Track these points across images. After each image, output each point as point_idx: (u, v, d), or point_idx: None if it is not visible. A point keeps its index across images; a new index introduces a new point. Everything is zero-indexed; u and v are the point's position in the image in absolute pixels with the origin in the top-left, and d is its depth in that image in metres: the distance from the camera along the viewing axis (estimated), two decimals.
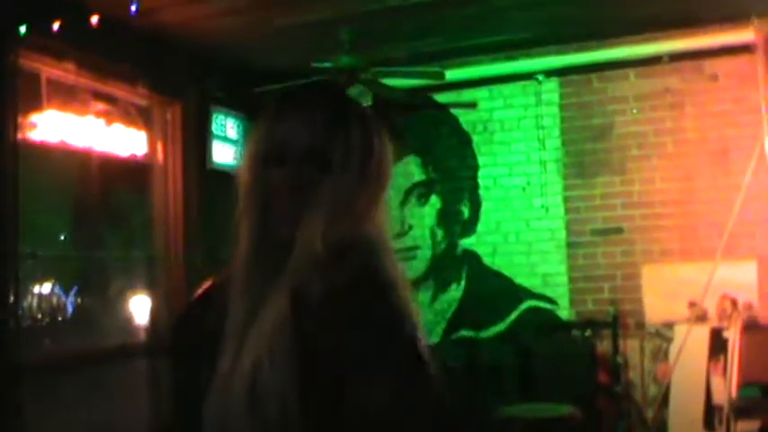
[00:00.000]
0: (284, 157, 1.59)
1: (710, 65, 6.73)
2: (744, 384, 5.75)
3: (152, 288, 6.34)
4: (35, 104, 5.37)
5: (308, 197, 1.57)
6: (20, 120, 5.10)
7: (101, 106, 5.98)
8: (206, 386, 1.55)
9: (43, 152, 5.45)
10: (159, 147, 6.42)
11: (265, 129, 1.64)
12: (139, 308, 6.28)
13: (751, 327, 6.03)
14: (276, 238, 1.59)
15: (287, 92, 1.69)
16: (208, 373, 1.56)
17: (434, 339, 7.11)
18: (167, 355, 1.89)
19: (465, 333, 7.23)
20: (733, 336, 5.91)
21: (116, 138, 6.06)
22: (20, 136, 5.07)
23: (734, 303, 6.21)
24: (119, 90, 6.10)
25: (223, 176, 6.66)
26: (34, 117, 5.37)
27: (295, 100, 1.67)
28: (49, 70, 5.48)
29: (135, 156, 6.24)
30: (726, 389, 5.83)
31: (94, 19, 5.35)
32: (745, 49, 6.47)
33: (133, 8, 5.36)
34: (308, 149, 1.59)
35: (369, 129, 1.66)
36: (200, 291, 1.79)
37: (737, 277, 6.31)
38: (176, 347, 1.82)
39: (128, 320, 6.25)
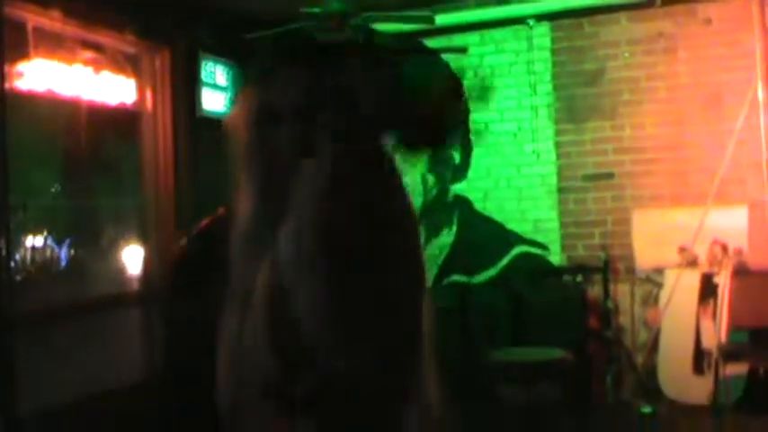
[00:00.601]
0: (279, 115, 1.61)
1: (704, 9, 6.68)
2: (733, 329, 5.79)
3: (143, 236, 6.33)
4: (21, 53, 5.30)
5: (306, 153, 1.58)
6: (6, 69, 5.04)
7: (88, 54, 5.91)
8: (208, 327, 1.56)
9: (31, 102, 5.39)
10: (148, 94, 6.37)
11: (255, 91, 1.66)
12: (131, 256, 6.27)
13: (741, 272, 6.07)
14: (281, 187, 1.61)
15: (274, 52, 1.73)
16: (210, 312, 1.57)
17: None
18: (166, 294, 1.89)
19: (457, 278, 7.25)
20: (723, 281, 5.96)
21: (104, 86, 6.00)
22: (6, 86, 5.02)
23: (724, 249, 6.23)
24: (106, 38, 6.03)
25: (213, 123, 6.62)
26: (21, 66, 5.30)
27: (281, 60, 1.69)
28: (36, 18, 5.40)
29: (124, 104, 6.19)
30: (715, 333, 5.88)
31: None
32: None
33: None
34: (306, 108, 1.60)
35: (354, 76, 1.68)
36: (200, 225, 1.80)
37: (728, 223, 6.32)
38: (177, 285, 1.82)
39: (120, 269, 6.24)
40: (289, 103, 1.62)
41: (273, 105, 1.63)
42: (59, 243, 5.71)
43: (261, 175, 1.64)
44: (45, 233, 5.61)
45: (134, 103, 6.30)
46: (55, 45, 5.59)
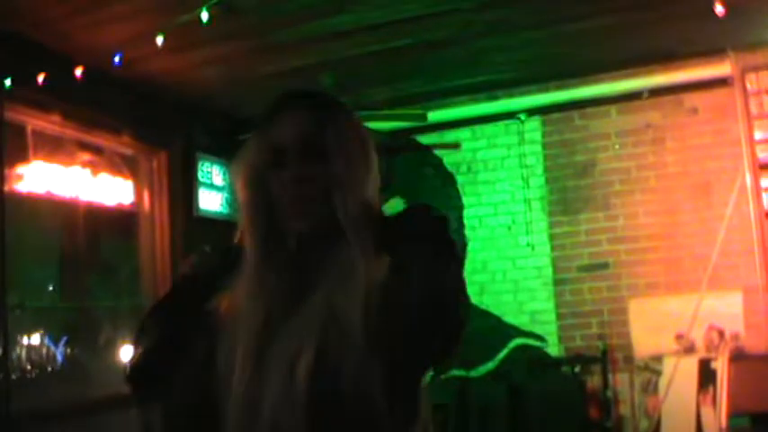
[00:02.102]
0: (284, 157, 1.73)
1: (690, 98, 6.81)
2: (733, 414, 5.77)
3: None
4: (21, 156, 5.39)
5: (314, 189, 1.72)
6: (6, 171, 5.13)
7: (87, 156, 6.01)
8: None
9: (30, 203, 5.47)
10: (146, 195, 6.45)
11: (260, 138, 1.78)
12: (129, 357, 6.25)
13: (738, 357, 6.07)
14: (289, 229, 1.74)
15: (273, 103, 1.81)
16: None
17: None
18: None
19: (455, 372, 7.22)
20: (721, 366, 5.95)
21: (102, 187, 6.09)
22: (6, 188, 5.10)
23: (721, 334, 6.25)
24: (104, 140, 6.14)
25: (210, 223, 6.69)
26: (20, 168, 5.39)
27: (282, 107, 1.80)
28: (35, 122, 5.52)
29: (121, 204, 6.27)
30: (716, 419, 5.84)
31: (79, 71, 5.40)
32: (722, 81, 6.56)
33: (117, 59, 5.42)
34: (305, 144, 1.73)
35: (352, 117, 1.82)
36: (186, 263, 1.90)
37: (723, 308, 6.35)
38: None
39: (118, 370, 6.22)
40: (294, 141, 1.72)
41: (280, 143, 1.73)
42: (56, 343, 5.72)
43: (264, 220, 1.75)
44: (42, 332, 5.63)
45: (132, 204, 6.38)
46: (54, 147, 5.69)
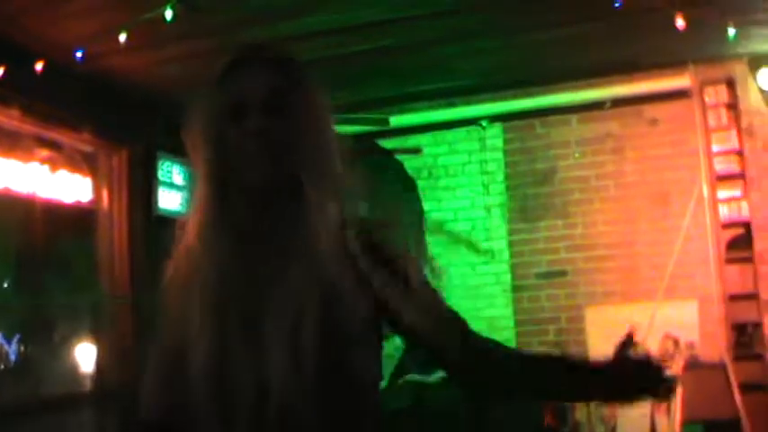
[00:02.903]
0: (245, 110, 1.69)
1: (650, 110, 6.88)
2: (687, 422, 5.82)
3: (98, 335, 6.28)
4: None
5: (273, 142, 1.68)
6: None
7: (45, 152, 5.95)
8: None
9: None
10: (105, 193, 6.38)
11: (217, 92, 1.74)
12: (85, 356, 6.21)
13: (693, 365, 6.14)
14: (247, 183, 1.70)
15: (230, 57, 1.77)
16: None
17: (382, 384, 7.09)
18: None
19: (412, 377, 7.22)
20: (676, 374, 6.00)
21: (61, 184, 6.02)
22: None
23: (676, 343, 6.31)
24: (64, 136, 6.07)
25: (169, 222, 6.62)
26: None
27: (240, 60, 1.77)
28: None
29: (80, 202, 6.20)
30: (670, 427, 5.90)
31: (39, 65, 5.34)
32: (682, 93, 6.64)
33: (79, 54, 5.37)
34: (266, 96, 1.71)
35: (310, 76, 1.80)
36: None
37: (679, 317, 6.41)
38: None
39: (73, 368, 6.17)
40: (255, 93, 1.70)
41: (240, 96, 1.70)
42: (9, 340, 5.65)
43: (221, 174, 1.71)
44: None
45: (90, 202, 6.31)
46: (12, 143, 5.61)
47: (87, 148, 6.31)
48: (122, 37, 5.08)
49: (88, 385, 6.19)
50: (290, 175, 1.68)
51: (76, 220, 6.26)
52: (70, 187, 6.11)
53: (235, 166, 1.70)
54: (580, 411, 6.72)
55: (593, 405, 6.66)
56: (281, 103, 1.71)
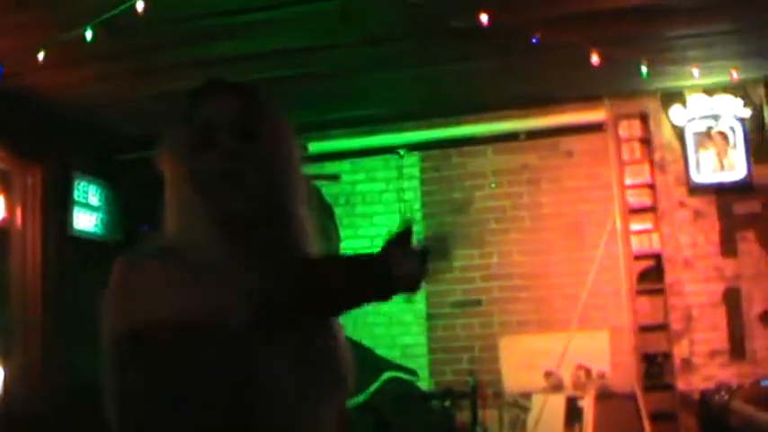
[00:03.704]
0: (213, 136, 1.68)
1: (566, 142, 7.01)
2: None
3: (7, 356, 6.13)
4: None
5: (243, 166, 1.67)
6: None
7: None
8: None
9: None
10: (18, 212, 6.26)
11: (185, 123, 1.73)
12: None
13: (604, 395, 6.22)
14: (225, 214, 1.67)
15: (195, 90, 1.77)
16: None
17: None
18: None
19: None
20: (587, 404, 6.08)
21: None
22: None
23: (588, 372, 6.39)
24: None
25: (84, 243, 6.55)
26: None
27: (206, 92, 1.77)
28: None
29: None
30: None
31: None
32: (597, 127, 6.78)
33: None
34: (234, 122, 1.70)
35: (274, 105, 1.81)
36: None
37: (591, 347, 6.51)
38: None
39: None
40: (223, 119, 1.70)
41: (208, 122, 1.70)
42: None
43: (195, 198, 1.68)
44: None
45: (3, 220, 6.18)
46: None
47: (2, 166, 6.19)
48: (41, 55, 5.01)
49: None
50: (267, 200, 1.68)
51: None
52: None
53: (210, 197, 1.67)
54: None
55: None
56: (250, 127, 1.71)
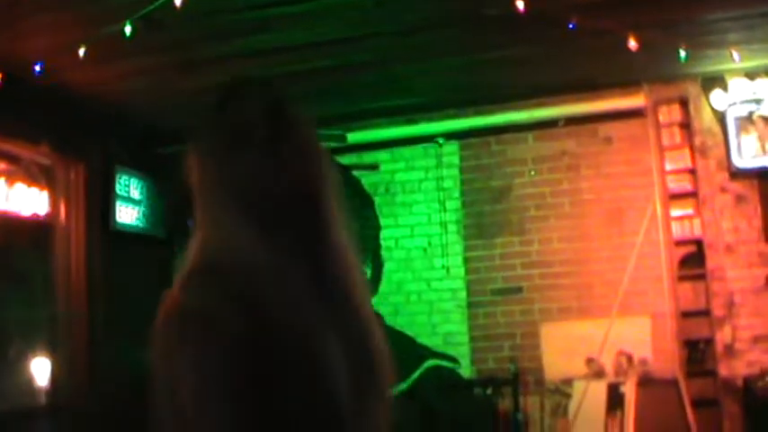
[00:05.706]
0: (250, 135, 1.70)
1: (605, 128, 6.97)
2: None
3: (54, 349, 6.23)
4: None
5: (279, 163, 1.69)
6: None
7: (3, 165, 5.93)
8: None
9: None
10: (62, 206, 6.36)
11: (222, 112, 1.76)
12: (41, 369, 6.16)
13: (646, 381, 6.21)
14: (267, 198, 1.69)
15: (223, 89, 1.79)
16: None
17: None
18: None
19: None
20: (629, 390, 6.07)
21: (18, 197, 6.00)
22: None
23: (629, 359, 6.39)
24: (21, 149, 6.05)
25: (126, 237, 6.64)
26: None
27: (235, 92, 1.79)
28: None
29: (37, 215, 6.17)
30: None
31: None
32: (636, 113, 6.75)
33: (38, 68, 5.36)
34: (268, 121, 1.71)
35: (291, 98, 1.80)
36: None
37: (632, 333, 6.50)
38: None
39: (28, 383, 6.12)
40: (257, 119, 1.72)
41: (243, 123, 1.72)
42: None
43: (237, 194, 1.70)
44: None
45: (47, 215, 6.28)
46: None
47: (45, 162, 6.29)
48: (81, 51, 5.08)
49: (43, 400, 6.15)
50: (301, 193, 1.71)
51: (33, 233, 6.22)
52: (27, 200, 6.09)
53: (251, 183, 1.69)
54: (534, 428, 6.78)
55: (547, 421, 6.73)
56: (280, 122, 1.73)
